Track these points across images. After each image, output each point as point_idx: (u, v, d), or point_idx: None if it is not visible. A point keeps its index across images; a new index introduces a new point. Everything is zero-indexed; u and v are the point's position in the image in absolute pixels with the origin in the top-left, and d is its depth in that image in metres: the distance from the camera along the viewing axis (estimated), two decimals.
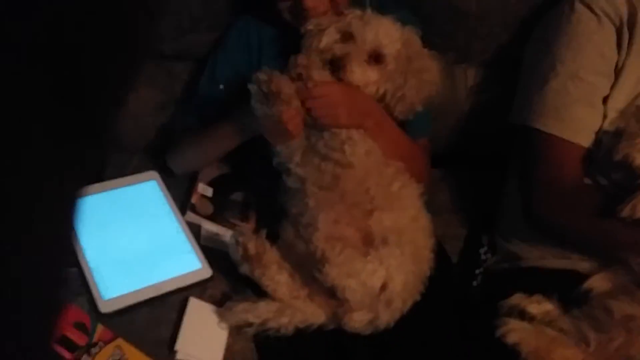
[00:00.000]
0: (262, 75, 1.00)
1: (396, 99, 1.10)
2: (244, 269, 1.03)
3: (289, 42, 1.18)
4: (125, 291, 1.03)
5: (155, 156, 1.36)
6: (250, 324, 1.02)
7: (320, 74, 1.04)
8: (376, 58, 1.07)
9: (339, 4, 1.15)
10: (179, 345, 1.00)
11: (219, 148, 1.22)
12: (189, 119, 1.28)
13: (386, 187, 1.09)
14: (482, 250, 1.31)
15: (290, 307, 1.03)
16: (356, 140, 1.07)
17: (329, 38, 1.08)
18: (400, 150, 1.15)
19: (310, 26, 1.12)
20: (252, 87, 1.02)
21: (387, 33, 1.07)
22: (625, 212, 1.03)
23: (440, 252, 1.16)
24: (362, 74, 1.07)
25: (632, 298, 1.02)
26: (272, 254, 1.04)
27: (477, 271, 1.28)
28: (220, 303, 1.07)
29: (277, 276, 1.03)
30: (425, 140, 1.30)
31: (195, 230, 1.18)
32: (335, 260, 0.98)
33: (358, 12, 1.11)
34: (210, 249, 1.15)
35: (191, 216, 1.22)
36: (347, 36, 1.08)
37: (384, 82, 1.10)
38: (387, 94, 1.12)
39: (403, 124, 1.19)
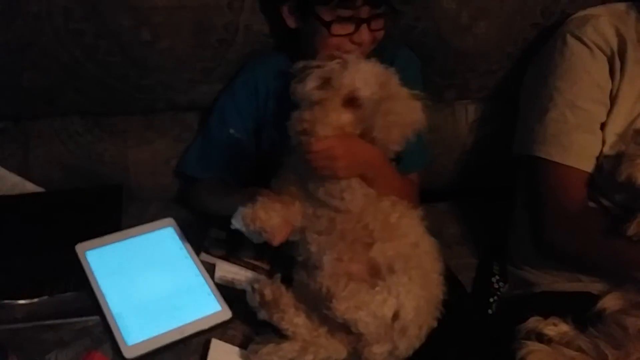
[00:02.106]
0: (245, 214, 1.05)
1: (369, 139, 1.10)
2: (262, 314, 1.05)
3: None
4: (148, 336, 1.05)
5: (171, 203, 1.41)
6: None
7: (324, 129, 1.05)
8: (351, 101, 1.08)
9: (377, 40, 1.21)
10: None
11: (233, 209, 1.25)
12: (203, 165, 1.33)
13: (384, 219, 1.10)
14: (494, 279, 1.32)
15: (314, 345, 1.04)
16: (355, 187, 1.10)
17: (311, 84, 1.11)
18: (394, 193, 1.16)
19: (299, 65, 1.15)
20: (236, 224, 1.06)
21: (364, 76, 1.08)
22: (631, 230, 1.06)
23: (454, 282, 1.18)
24: (336, 119, 1.07)
25: None
26: (288, 298, 1.06)
27: (491, 299, 1.29)
28: (242, 343, 1.09)
29: (295, 319, 1.04)
30: (415, 175, 1.34)
31: (209, 270, 1.20)
32: (340, 294, 0.99)
33: (345, 56, 1.13)
34: (226, 289, 1.17)
35: (205, 257, 1.24)
36: (327, 81, 1.10)
37: (359, 124, 1.09)
38: (364, 136, 1.12)
39: (397, 158, 1.21)
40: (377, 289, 1.01)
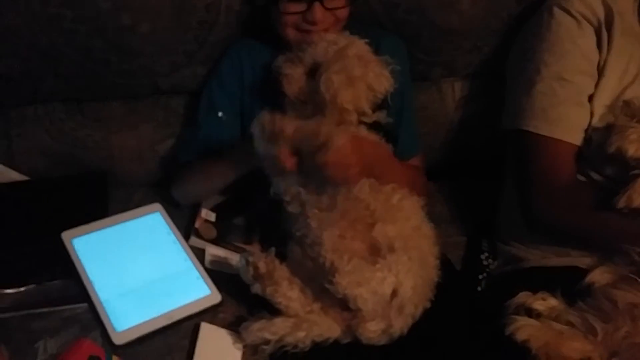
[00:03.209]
0: (264, 117, 1.04)
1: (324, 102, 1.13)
2: (256, 288, 1.05)
3: None
4: (137, 322, 1.05)
5: (157, 189, 1.40)
6: (267, 342, 1.03)
7: (342, 137, 1.05)
8: (315, 71, 1.12)
9: (340, 19, 1.20)
10: None
11: (222, 180, 1.25)
12: (193, 149, 1.31)
13: (385, 201, 1.11)
14: (483, 256, 1.33)
15: (306, 321, 1.04)
16: (362, 183, 1.11)
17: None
18: (406, 181, 1.18)
19: (279, 62, 1.18)
20: (254, 128, 1.06)
21: (324, 45, 1.14)
22: (622, 202, 1.06)
23: (444, 261, 1.18)
24: (299, 88, 1.14)
25: (634, 286, 1.04)
26: (282, 271, 1.06)
27: (480, 277, 1.30)
28: (232, 326, 1.09)
29: (289, 292, 1.04)
30: (418, 158, 1.35)
31: (199, 255, 1.20)
32: (344, 269, 1.00)
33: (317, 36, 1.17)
34: (216, 273, 1.17)
35: (195, 241, 1.24)
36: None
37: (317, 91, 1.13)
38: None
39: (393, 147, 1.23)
40: (377, 266, 1.02)
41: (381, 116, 1.18)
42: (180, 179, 1.32)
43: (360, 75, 1.10)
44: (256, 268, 1.04)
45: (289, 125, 1.05)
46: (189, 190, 1.32)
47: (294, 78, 1.15)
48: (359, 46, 1.15)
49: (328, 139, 1.02)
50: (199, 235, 1.25)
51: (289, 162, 1.06)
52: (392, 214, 1.10)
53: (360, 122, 1.17)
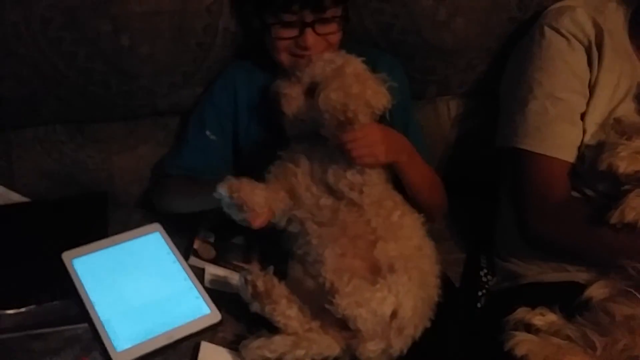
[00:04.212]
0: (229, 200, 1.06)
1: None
2: (255, 306, 1.06)
3: None
4: (137, 341, 1.04)
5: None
6: None
7: (364, 118, 1.09)
8: (314, 90, 1.13)
9: (332, 44, 1.22)
10: None
11: (204, 204, 1.24)
12: (176, 163, 1.32)
13: (386, 217, 1.12)
14: (482, 273, 1.33)
15: (306, 340, 1.04)
16: (375, 182, 1.13)
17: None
18: (431, 180, 1.22)
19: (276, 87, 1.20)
20: (216, 196, 1.07)
21: (321, 65, 1.15)
22: (615, 218, 1.07)
23: (443, 279, 1.18)
24: (297, 109, 1.16)
25: (632, 300, 1.05)
26: (280, 289, 1.06)
27: (479, 293, 1.30)
28: (232, 345, 1.08)
29: (288, 310, 1.05)
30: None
31: (199, 274, 1.21)
32: (344, 290, 1.00)
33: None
34: (216, 292, 1.18)
35: (195, 260, 1.25)
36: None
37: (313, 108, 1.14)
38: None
39: None
40: (377, 286, 1.02)
41: None
42: (163, 190, 1.34)
43: (358, 92, 1.11)
44: (255, 286, 1.05)
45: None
46: (172, 203, 1.32)
47: (292, 97, 1.16)
48: (356, 64, 1.16)
49: (356, 114, 1.05)
50: (197, 256, 1.26)
51: (257, 223, 1.08)
52: (394, 231, 1.11)
53: None
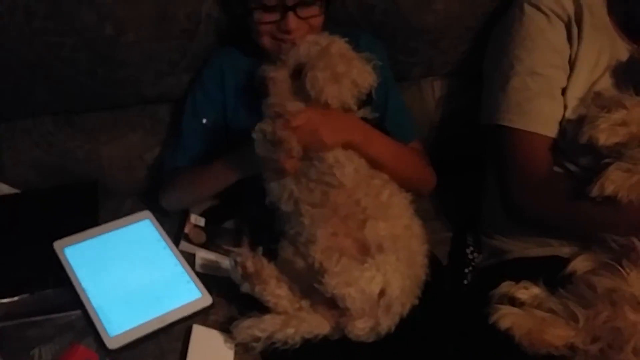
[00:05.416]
0: (266, 126, 1.06)
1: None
2: (245, 287, 1.07)
3: None
4: (130, 326, 1.06)
5: (147, 196, 1.41)
6: (257, 339, 1.04)
7: (294, 105, 1.10)
8: (299, 72, 1.14)
9: (314, 27, 1.22)
10: None
11: (213, 187, 1.27)
12: (178, 156, 1.33)
13: (375, 197, 1.13)
14: (468, 250, 1.35)
15: (295, 318, 1.06)
16: (343, 162, 1.12)
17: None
18: (395, 154, 1.20)
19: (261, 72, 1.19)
20: (256, 136, 1.07)
21: (306, 46, 1.15)
22: (595, 191, 1.08)
23: (431, 257, 1.20)
24: (285, 88, 1.15)
25: (613, 272, 1.06)
26: (270, 270, 1.08)
27: (466, 270, 1.32)
28: (224, 327, 1.10)
29: (277, 290, 1.07)
30: (414, 143, 1.36)
31: (189, 259, 1.22)
32: (333, 270, 1.02)
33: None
34: (207, 277, 1.19)
35: (185, 245, 1.26)
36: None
37: (303, 89, 1.14)
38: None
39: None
40: (365, 265, 1.04)
41: (366, 112, 1.20)
42: (169, 187, 1.33)
43: (345, 71, 1.12)
44: (244, 267, 1.06)
45: (289, 134, 1.06)
46: (177, 197, 1.33)
47: (279, 80, 1.16)
48: (340, 44, 1.16)
49: (282, 109, 1.06)
50: (188, 240, 1.27)
51: (289, 164, 1.08)
52: (383, 210, 1.12)
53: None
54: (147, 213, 1.28)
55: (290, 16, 1.18)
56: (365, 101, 1.18)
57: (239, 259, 1.07)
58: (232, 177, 1.23)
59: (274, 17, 1.20)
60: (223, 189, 1.26)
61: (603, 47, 1.20)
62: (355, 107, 1.17)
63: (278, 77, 1.16)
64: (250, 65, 1.27)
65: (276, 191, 1.15)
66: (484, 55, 1.37)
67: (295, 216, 1.14)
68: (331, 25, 1.26)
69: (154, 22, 1.27)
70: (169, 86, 1.38)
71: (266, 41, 1.23)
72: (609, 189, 1.07)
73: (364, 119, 1.19)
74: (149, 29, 1.27)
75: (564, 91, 1.20)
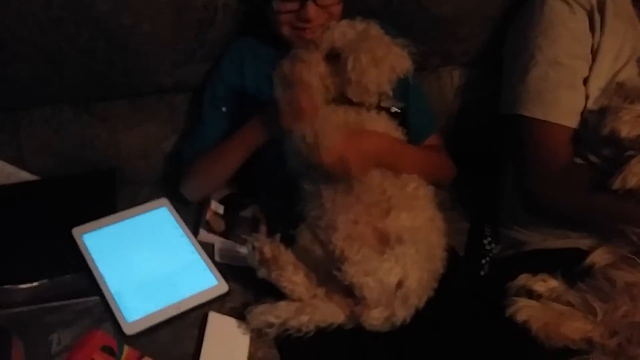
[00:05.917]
0: (285, 66, 1.07)
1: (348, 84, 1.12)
2: (262, 272, 1.07)
3: None
4: (147, 312, 1.08)
5: (164, 184, 1.42)
6: (271, 325, 1.04)
7: (332, 137, 1.06)
8: (334, 55, 1.12)
9: (334, 16, 1.21)
10: (203, 359, 1.04)
11: (230, 164, 1.26)
12: (197, 145, 1.33)
13: (402, 188, 1.13)
14: (486, 241, 1.34)
15: (310, 306, 1.06)
16: (373, 174, 1.12)
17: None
18: (422, 162, 1.20)
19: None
20: (274, 73, 1.08)
21: (341, 30, 1.13)
22: (617, 184, 1.07)
23: (448, 249, 1.19)
24: (318, 71, 1.12)
25: (633, 266, 1.06)
26: (287, 256, 1.08)
27: (483, 261, 1.31)
28: (240, 314, 1.11)
29: (294, 277, 1.07)
30: (434, 137, 1.35)
31: (208, 249, 1.23)
32: (353, 258, 1.01)
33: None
34: (225, 266, 1.20)
35: (204, 235, 1.27)
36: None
37: (338, 74, 1.13)
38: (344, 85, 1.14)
39: (408, 129, 1.23)
40: (385, 256, 1.03)
41: (393, 103, 1.20)
42: (189, 173, 1.32)
43: (384, 55, 1.10)
44: (262, 253, 1.06)
45: (307, 71, 1.07)
46: (199, 183, 1.32)
47: (312, 64, 1.13)
48: (377, 29, 1.15)
49: (316, 140, 1.03)
50: (209, 227, 1.28)
51: (308, 104, 1.08)
52: (408, 201, 1.12)
53: (381, 109, 1.18)
54: (164, 201, 1.28)
55: (310, 5, 1.17)
56: (402, 85, 1.18)
57: (256, 244, 1.07)
58: (250, 147, 1.22)
59: (293, 6, 1.19)
60: (239, 166, 1.25)
61: (626, 36, 1.18)
62: (390, 93, 1.15)
63: (311, 60, 1.13)
64: (269, 54, 1.27)
65: (310, 191, 1.14)
66: (503, 45, 1.35)
67: (316, 197, 1.13)
68: (351, 16, 1.24)
69: (171, 12, 1.27)
70: (186, 75, 1.38)
71: (285, 30, 1.23)
72: (632, 182, 1.05)
73: (389, 109, 1.19)
74: (166, 18, 1.27)
75: (585, 81, 1.18)
